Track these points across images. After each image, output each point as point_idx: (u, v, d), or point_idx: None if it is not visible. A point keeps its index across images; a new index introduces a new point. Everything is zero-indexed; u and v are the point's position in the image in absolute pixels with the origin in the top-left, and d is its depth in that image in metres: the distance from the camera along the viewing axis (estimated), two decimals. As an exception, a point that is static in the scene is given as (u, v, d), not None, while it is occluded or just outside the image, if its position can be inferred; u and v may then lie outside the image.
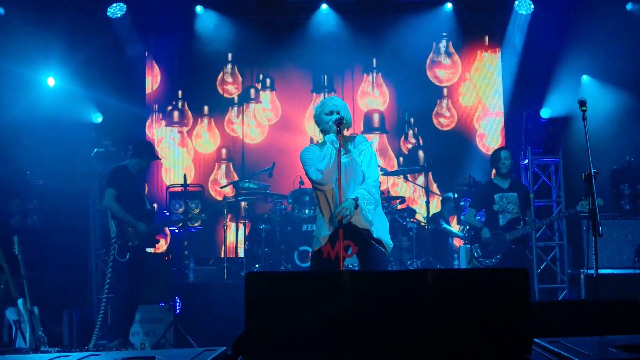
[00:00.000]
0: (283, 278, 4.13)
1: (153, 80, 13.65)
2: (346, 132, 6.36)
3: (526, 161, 12.17)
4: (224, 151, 13.78)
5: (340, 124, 6.16)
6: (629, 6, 12.44)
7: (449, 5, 13.28)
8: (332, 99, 6.52)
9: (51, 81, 11.77)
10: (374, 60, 13.81)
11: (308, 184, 10.11)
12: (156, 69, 13.66)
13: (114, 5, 12.32)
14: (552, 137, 12.05)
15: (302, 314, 3.84)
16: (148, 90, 13.58)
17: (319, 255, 6.12)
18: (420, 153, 13.54)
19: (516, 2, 12.78)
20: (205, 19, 13.36)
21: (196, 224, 11.49)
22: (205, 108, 13.81)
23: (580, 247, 11.20)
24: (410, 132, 13.59)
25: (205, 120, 13.80)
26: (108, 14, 12.32)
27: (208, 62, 13.71)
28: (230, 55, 13.91)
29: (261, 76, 13.87)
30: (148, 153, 9.67)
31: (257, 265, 11.19)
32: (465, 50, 13.86)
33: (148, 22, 12.97)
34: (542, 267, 11.78)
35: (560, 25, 12.20)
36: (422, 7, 13.29)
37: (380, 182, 6.65)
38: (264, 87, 13.88)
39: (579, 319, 4.84)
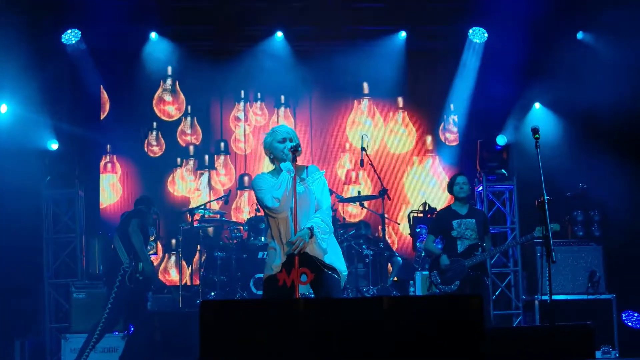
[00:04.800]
0: (239, 306, 4.12)
1: (102, 108, 13.52)
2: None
3: (481, 188, 12.25)
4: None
5: (296, 151, 6.17)
6: (579, 35, 12.64)
7: (403, 34, 13.40)
8: (283, 127, 6.52)
9: (3, 108, 11.64)
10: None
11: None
12: (105, 96, 13.53)
13: (69, 31, 12.26)
14: (506, 164, 12.15)
15: (258, 342, 3.83)
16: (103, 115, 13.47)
17: (273, 283, 6.12)
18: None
19: (470, 31, 12.93)
20: (158, 46, 13.32)
21: (151, 252, 11.41)
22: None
23: (534, 273, 11.28)
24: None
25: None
26: (62, 40, 12.26)
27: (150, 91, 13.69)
28: (169, 71, 13.74)
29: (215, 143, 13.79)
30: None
31: (212, 293, 11.12)
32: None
33: (102, 48, 12.88)
34: (497, 294, 11.83)
35: (514, 53, 12.33)
36: (379, 34, 13.42)
37: (332, 209, 6.66)
38: (218, 152, 13.71)
39: (534, 345, 4.87)
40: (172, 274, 12.81)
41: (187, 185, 13.54)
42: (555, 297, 9.27)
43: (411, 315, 3.88)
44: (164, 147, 13.59)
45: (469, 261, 9.20)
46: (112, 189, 13.39)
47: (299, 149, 6.23)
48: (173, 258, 12.96)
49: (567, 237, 11.53)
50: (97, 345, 9.87)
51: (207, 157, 13.69)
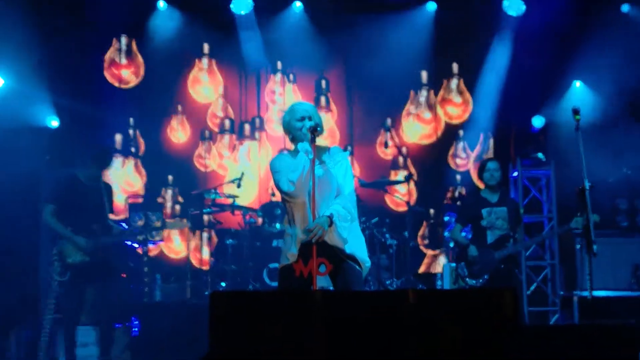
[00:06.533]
0: (251, 297, 4.11)
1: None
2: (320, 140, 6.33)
3: (515, 173, 12.19)
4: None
5: (315, 131, 6.12)
6: (624, 8, 12.53)
7: (433, 6, 13.35)
8: (302, 104, 6.48)
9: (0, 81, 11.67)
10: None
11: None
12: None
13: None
14: (544, 147, 12.09)
15: (270, 337, 3.81)
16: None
17: (289, 273, 6.10)
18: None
19: (505, 3, 12.83)
20: (167, 16, 13.33)
21: (157, 238, 11.43)
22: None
23: (573, 266, 11.24)
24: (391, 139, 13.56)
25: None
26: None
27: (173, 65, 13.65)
28: (206, 49, 13.75)
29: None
30: (96, 161, 9.35)
31: (223, 284, 11.14)
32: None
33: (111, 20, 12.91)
34: (532, 289, 11.79)
35: (552, 27, 12.25)
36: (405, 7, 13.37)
37: (357, 195, 6.61)
38: (254, 129, 13.70)
39: (573, 345, 4.84)
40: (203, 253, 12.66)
41: (221, 162, 13.61)
42: (595, 293, 9.24)
43: (438, 310, 3.86)
44: (188, 133, 13.61)
45: (499, 253, 9.14)
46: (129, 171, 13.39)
47: (319, 128, 6.17)
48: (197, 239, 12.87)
49: (610, 227, 11.45)
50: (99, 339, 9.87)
51: (247, 126, 13.67)
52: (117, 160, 13.10)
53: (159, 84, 13.38)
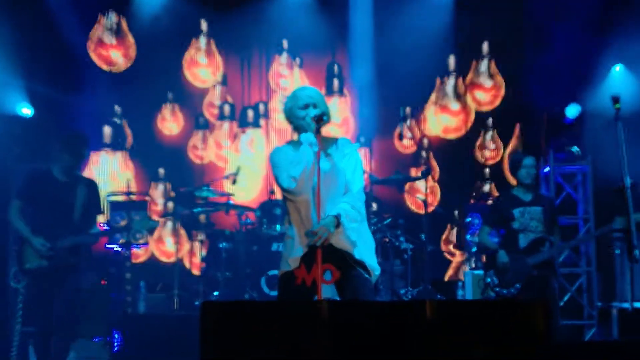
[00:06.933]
0: (247, 308, 4.11)
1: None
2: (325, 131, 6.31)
3: (547, 169, 12.17)
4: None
5: (320, 120, 6.08)
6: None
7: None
8: (305, 89, 6.43)
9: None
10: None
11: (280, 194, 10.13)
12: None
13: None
14: (579, 139, 12.07)
15: (269, 353, 3.81)
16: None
17: (290, 281, 6.08)
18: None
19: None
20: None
21: (141, 241, 11.43)
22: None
23: (612, 275, 11.22)
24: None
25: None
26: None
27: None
28: (204, 26, 13.83)
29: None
30: (69, 148, 9.06)
31: (215, 293, 11.16)
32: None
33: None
34: (565, 299, 11.79)
35: (590, 3, 12.24)
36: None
37: (365, 193, 6.58)
38: (257, 116, 13.78)
39: (611, 363, 4.84)
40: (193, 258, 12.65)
41: (220, 152, 13.68)
42: (637, 304, 9.23)
43: (460, 324, 3.85)
44: (182, 123, 13.64)
45: (533, 258, 9.13)
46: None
47: (325, 117, 6.14)
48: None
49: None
50: (76, 354, 9.88)
51: (250, 112, 13.72)
52: (105, 155, 13.18)
53: (149, 67, 13.40)
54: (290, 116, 6.34)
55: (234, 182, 11.67)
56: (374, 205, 11.73)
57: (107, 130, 13.39)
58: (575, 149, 12.04)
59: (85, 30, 13.27)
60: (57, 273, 8.86)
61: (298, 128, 6.29)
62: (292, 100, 6.33)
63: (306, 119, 6.17)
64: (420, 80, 13.35)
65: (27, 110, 11.91)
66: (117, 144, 13.36)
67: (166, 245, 13.12)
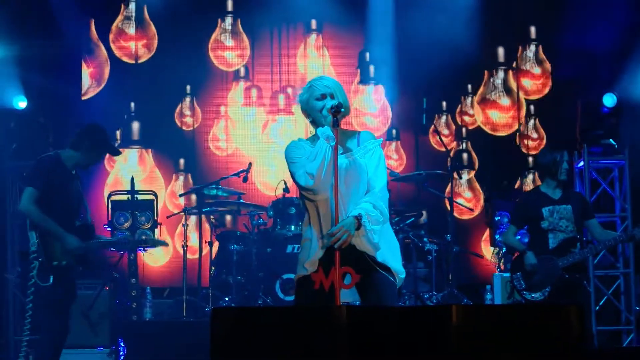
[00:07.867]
0: (260, 314, 4.12)
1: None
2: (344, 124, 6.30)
3: (581, 163, 12.14)
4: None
5: (338, 112, 6.02)
6: None
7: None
8: (322, 79, 6.39)
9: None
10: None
11: (295, 192, 10.12)
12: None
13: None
14: (616, 132, 12.03)
15: (284, 363, 3.83)
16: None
17: (307, 285, 6.05)
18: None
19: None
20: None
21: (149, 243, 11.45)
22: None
23: (652, 277, 11.22)
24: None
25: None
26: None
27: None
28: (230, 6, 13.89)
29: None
30: (92, 146, 8.86)
31: (226, 298, 11.18)
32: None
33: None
34: (601, 303, 11.76)
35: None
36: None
37: (389, 191, 6.55)
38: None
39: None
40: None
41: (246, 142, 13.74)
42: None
43: (488, 330, 3.86)
44: (200, 118, 13.69)
45: (563, 260, 9.13)
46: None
47: (343, 109, 6.08)
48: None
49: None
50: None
51: (282, 97, 13.71)
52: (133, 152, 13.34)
53: (168, 57, 13.49)
54: (306, 108, 6.29)
55: (245, 179, 11.67)
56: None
57: (135, 125, 13.45)
58: (611, 141, 12.00)
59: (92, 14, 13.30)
60: (73, 275, 8.77)
61: (315, 121, 6.26)
62: (308, 91, 6.28)
63: (323, 112, 6.13)
64: (459, 70, 13.38)
65: (22, 104, 11.91)
66: (130, 140, 13.42)
67: (190, 240, 13.01)
